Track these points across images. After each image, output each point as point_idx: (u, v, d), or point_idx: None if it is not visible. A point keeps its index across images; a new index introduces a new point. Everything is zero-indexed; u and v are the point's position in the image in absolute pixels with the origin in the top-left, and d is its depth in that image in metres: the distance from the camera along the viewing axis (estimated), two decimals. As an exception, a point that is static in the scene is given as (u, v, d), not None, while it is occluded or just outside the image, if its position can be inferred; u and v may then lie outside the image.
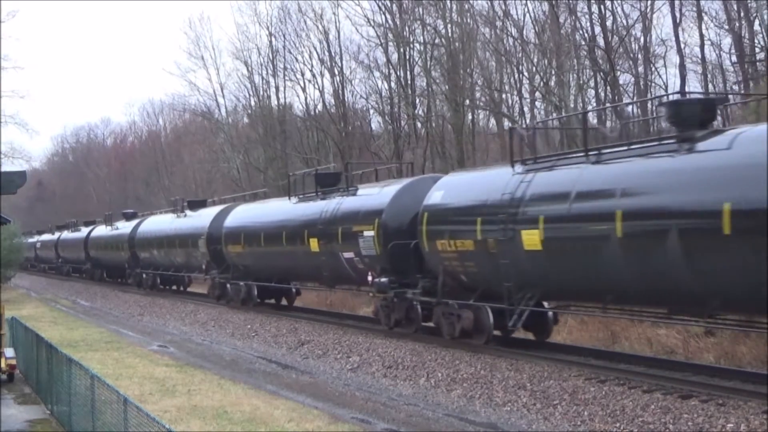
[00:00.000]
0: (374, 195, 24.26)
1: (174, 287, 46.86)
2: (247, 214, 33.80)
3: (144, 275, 47.40)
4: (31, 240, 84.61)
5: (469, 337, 20.08)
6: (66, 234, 69.87)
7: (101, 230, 58.07)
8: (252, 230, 31.69)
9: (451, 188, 21.03)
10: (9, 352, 18.77)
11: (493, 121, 42.73)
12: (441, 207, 20.65)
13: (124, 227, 52.18)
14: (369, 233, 22.98)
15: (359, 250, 23.60)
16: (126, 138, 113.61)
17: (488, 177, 20.67)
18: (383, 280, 22.51)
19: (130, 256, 48.92)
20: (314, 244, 26.29)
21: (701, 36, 33.20)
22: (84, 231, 63.27)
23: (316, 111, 53.43)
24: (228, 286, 34.55)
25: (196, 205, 42.92)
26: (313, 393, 18.21)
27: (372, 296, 24.47)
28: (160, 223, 45.69)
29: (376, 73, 47.10)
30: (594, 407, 14.38)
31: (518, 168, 18.61)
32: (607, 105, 33.57)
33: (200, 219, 38.63)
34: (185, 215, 41.65)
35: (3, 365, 18.27)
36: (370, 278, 23.19)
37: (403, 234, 22.18)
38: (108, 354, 24.07)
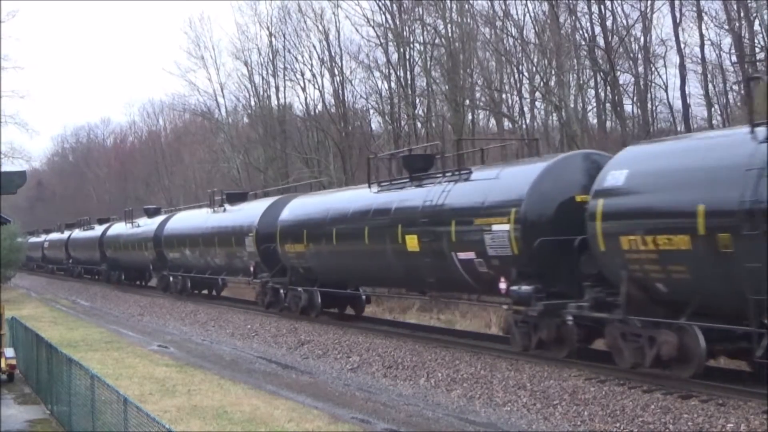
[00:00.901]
0: (504, 178, 19.23)
1: (206, 291, 41.47)
2: (310, 206, 28.30)
3: (172, 278, 42.16)
4: (37, 239, 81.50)
5: (667, 368, 15.30)
6: (78, 233, 65.16)
7: (120, 228, 52.89)
8: (318, 225, 26.41)
9: (640, 165, 15.84)
10: (9, 352, 18.77)
11: (493, 121, 42.75)
12: (627, 191, 15.51)
13: (147, 224, 46.95)
14: (502, 228, 18.10)
15: (484, 249, 18.66)
16: (126, 138, 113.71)
17: (711, 143, 15.54)
18: (525, 288, 17.54)
19: (156, 257, 44.02)
20: (412, 243, 21.04)
21: (701, 36, 33.23)
22: (99, 229, 58.66)
23: (316, 111, 53.46)
24: (282, 292, 29.56)
25: (236, 198, 37.42)
26: (313, 393, 18.21)
27: (507, 309, 18.98)
28: (192, 219, 40.25)
29: (376, 73, 47.12)
30: (594, 407, 14.39)
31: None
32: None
33: (246, 213, 33.24)
34: (224, 210, 36.49)
35: (3, 365, 18.28)
36: (503, 286, 18.20)
37: (549, 228, 17.53)
38: (108, 354, 24.06)
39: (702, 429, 12.58)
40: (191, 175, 78.76)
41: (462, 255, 19.34)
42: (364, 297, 28.23)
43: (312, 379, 20.27)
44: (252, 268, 31.69)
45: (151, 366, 21.67)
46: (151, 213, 49.69)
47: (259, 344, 26.17)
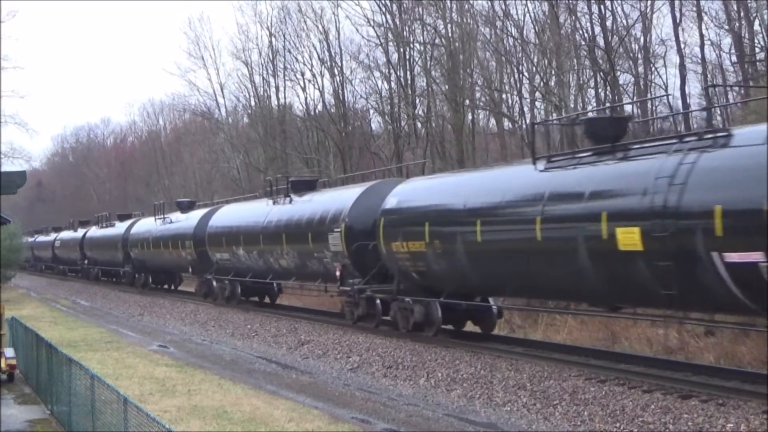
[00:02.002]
0: None
1: (256, 299, 35.94)
2: (434, 190, 22.53)
3: (217, 283, 36.16)
4: (46, 238, 76.52)
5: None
6: (95, 231, 58.93)
7: (147, 224, 46.85)
8: (449, 216, 20.51)
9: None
10: (9, 352, 18.77)
11: (493, 121, 42.77)
12: None
13: (184, 220, 41.33)
14: None
15: None
16: (126, 138, 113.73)
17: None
18: None
19: (197, 258, 38.13)
20: (630, 239, 14.84)
21: (701, 36, 33.25)
22: (121, 226, 52.38)
23: (316, 111, 53.51)
24: (379, 302, 24.12)
25: (303, 186, 30.83)
26: (313, 393, 18.21)
27: None
28: (246, 212, 34.11)
29: (376, 73, 47.20)
30: (594, 407, 14.39)
31: None
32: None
33: (327, 204, 27.27)
34: (290, 200, 30.32)
35: (3, 365, 18.28)
36: None
37: None
38: (108, 354, 24.06)
39: (702, 429, 12.58)
40: (191, 175, 78.79)
41: (732, 257, 13.19)
42: (495, 310, 21.74)
43: (312, 379, 20.27)
44: (338, 272, 25.15)
45: (151, 366, 21.67)
46: (185, 207, 43.32)
47: (259, 344, 26.18)
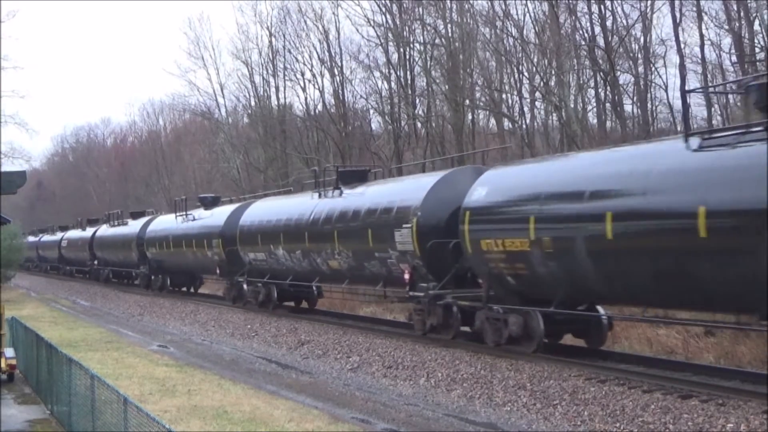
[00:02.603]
0: None
1: (291, 303, 32.53)
2: (550, 171, 18.87)
3: (248, 286, 32.81)
4: (51, 237, 73.72)
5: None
6: (106, 229, 55.38)
7: (166, 222, 43.23)
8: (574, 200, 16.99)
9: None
10: (9, 352, 18.78)
11: (493, 121, 42.77)
12: None
13: (208, 217, 37.41)
14: None
15: None
16: (126, 138, 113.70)
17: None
18: None
19: (225, 259, 34.45)
20: None
21: (701, 36, 33.22)
22: (134, 225, 49.03)
23: (316, 111, 53.53)
24: (455, 309, 20.70)
25: (352, 177, 27.20)
26: (313, 393, 18.21)
27: None
28: (285, 208, 30.28)
29: (376, 73, 47.21)
30: (594, 407, 14.39)
31: None
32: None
33: (389, 195, 23.78)
34: (340, 193, 26.56)
35: (3, 365, 18.28)
36: None
37: None
38: (108, 354, 24.07)
39: (702, 429, 12.58)
40: (191, 175, 78.77)
41: None
42: (606, 320, 18.49)
43: (312, 379, 20.27)
44: (407, 275, 21.88)
45: (151, 366, 21.67)
46: (209, 203, 39.57)
47: (259, 344, 26.18)
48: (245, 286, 33.03)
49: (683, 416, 13.11)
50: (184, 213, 40.08)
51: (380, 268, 23.26)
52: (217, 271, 35.83)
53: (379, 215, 23.13)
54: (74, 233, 65.78)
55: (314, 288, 30.23)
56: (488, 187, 19.23)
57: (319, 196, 27.43)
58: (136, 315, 38.38)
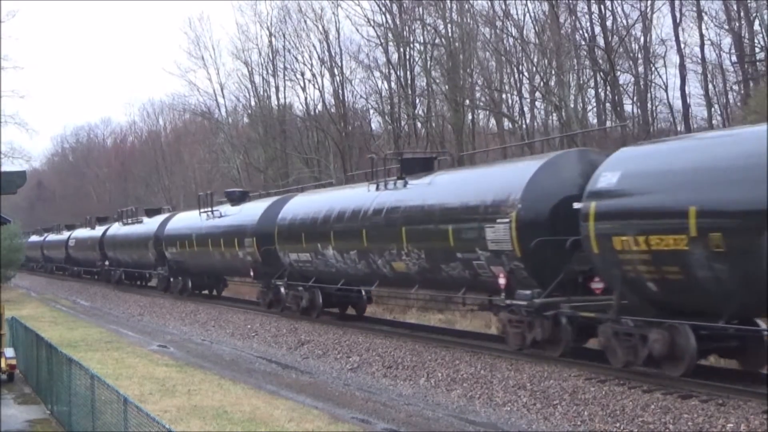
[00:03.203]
0: None
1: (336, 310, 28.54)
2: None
3: (287, 290, 29.20)
4: (57, 237, 70.35)
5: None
6: (117, 228, 51.61)
7: (188, 220, 39.50)
8: None
9: None
10: (9, 352, 18.77)
11: (493, 121, 42.79)
12: None
13: (238, 214, 33.69)
14: None
15: None
16: (126, 138, 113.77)
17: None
18: None
19: (260, 259, 30.80)
20: None
21: (701, 36, 33.28)
22: (150, 223, 45.48)
23: (316, 111, 53.55)
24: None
25: (416, 165, 23.63)
26: (313, 393, 18.21)
27: None
28: (335, 201, 26.45)
29: (376, 73, 47.23)
30: (594, 407, 14.39)
31: None
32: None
33: (474, 186, 20.31)
34: (405, 184, 22.96)
35: (3, 365, 18.28)
36: None
37: None
38: (108, 354, 24.07)
39: (702, 429, 12.58)
40: (191, 175, 78.82)
41: None
42: None
43: (312, 379, 20.27)
44: (502, 280, 18.20)
45: (151, 366, 21.67)
46: (237, 198, 35.71)
47: (259, 344, 26.17)
48: (283, 290, 29.55)
49: (683, 416, 13.11)
50: (209, 209, 36.12)
51: (462, 272, 19.52)
52: (251, 273, 32.22)
53: (463, 209, 19.42)
54: (83, 232, 62.36)
55: (363, 293, 27.09)
56: (620, 171, 15.64)
57: (377, 187, 23.72)
58: (136, 315, 38.37)
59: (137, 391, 17.28)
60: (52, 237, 73.72)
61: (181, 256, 39.60)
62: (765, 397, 13.07)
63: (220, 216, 35.17)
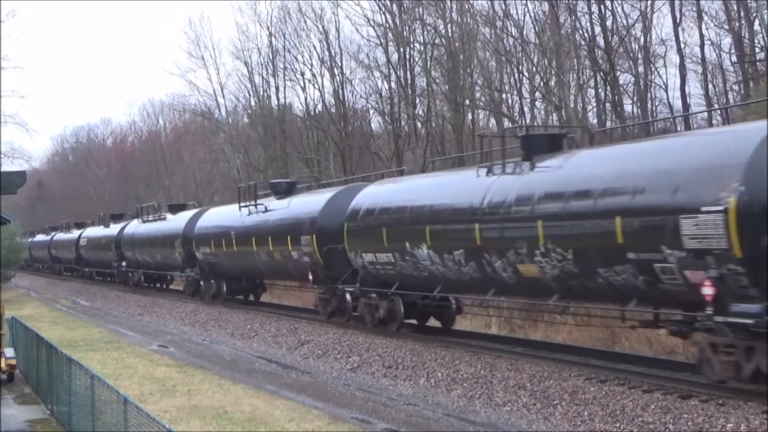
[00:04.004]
0: None
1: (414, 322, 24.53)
2: None
3: (351, 297, 25.27)
4: (66, 236, 66.63)
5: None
6: (136, 226, 47.28)
7: (225, 215, 35.06)
8: None
9: None
10: (9, 352, 18.79)
11: (493, 121, 42.78)
12: None
13: (289, 208, 29.20)
14: None
15: None
16: (126, 138, 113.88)
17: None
18: None
19: (323, 260, 26.20)
20: None
21: (701, 36, 33.28)
22: (176, 220, 41.27)
23: (316, 111, 53.54)
24: None
25: (546, 144, 18.91)
26: (313, 393, 18.21)
27: None
28: (455, 186, 21.00)
29: (376, 73, 47.22)
30: (594, 407, 14.39)
31: None
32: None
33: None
34: (532, 167, 18.14)
35: (3, 365, 18.29)
36: None
37: None
38: (108, 354, 24.07)
39: (702, 429, 12.58)
40: (191, 175, 78.81)
41: None
42: None
43: (312, 379, 20.27)
44: (709, 290, 13.60)
45: (151, 366, 21.67)
46: (284, 191, 31.08)
47: (259, 344, 26.17)
48: (348, 297, 25.44)
49: (683, 416, 13.11)
50: (251, 203, 31.57)
51: (634, 278, 14.93)
52: (309, 277, 27.15)
53: (639, 195, 14.67)
54: (96, 230, 57.95)
55: (452, 301, 23.03)
56: None
57: (490, 172, 19.09)
58: (136, 315, 38.37)
59: (137, 391, 17.28)
60: (60, 236, 69.91)
61: (215, 256, 35.07)
62: (765, 397, 13.07)
63: (265, 211, 30.70)
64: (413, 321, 24.00)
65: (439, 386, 17.69)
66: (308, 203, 28.15)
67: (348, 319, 25.67)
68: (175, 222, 41.08)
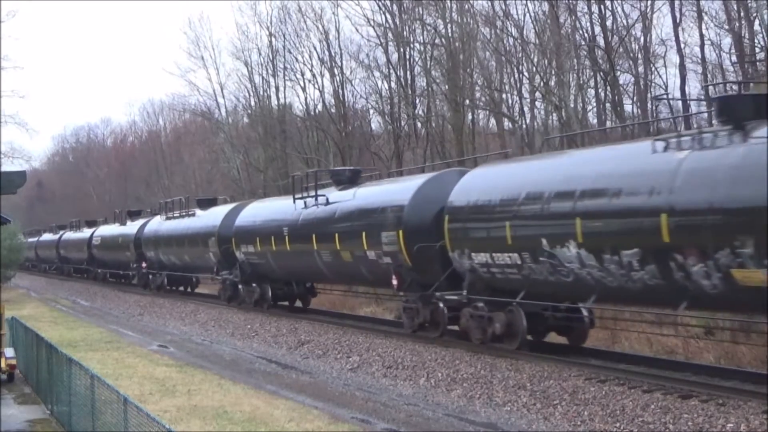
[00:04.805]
0: None
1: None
2: None
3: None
4: (77, 236, 63.09)
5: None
6: (160, 223, 42.98)
7: (272, 211, 30.53)
8: None
9: None
10: (9, 352, 18.79)
11: (493, 121, 42.79)
12: None
13: (368, 198, 24.18)
14: None
15: None
16: (126, 138, 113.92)
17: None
18: None
19: (411, 261, 21.45)
20: None
21: (701, 36, 33.21)
22: (209, 216, 36.91)
23: (316, 111, 53.51)
24: None
25: None
26: (313, 393, 18.21)
27: None
28: (621, 163, 16.22)
29: (376, 73, 47.19)
30: (594, 407, 14.39)
31: None
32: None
33: None
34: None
35: (3, 365, 18.29)
36: None
37: None
38: (108, 354, 24.07)
39: (702, 429, 12.58)
40: (191, 175, 78.79)
41: None
42: None
43: (312, 379, 20.26)
44: None
45: (151, 366, 21.67)
46: (347, 180, 26.60)
47: (259, 344, 26.17)
48: (443, 307, 20.89)
49: (683, 416, 13.11)
50: (310, 195, 27.02)
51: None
52: (394, 283, 22.25)
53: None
54: (111, 229, 54.08)
55: (586, 313, 18.80)
56: None
57: (671, 146, 14.75)
58: (136, 315, 38.36)
59: (137, 391, 17.28)
60: (69, 235, 66.05)
61: (261, 257, 30.39)
62: (765, 397, 13.08)
63: (327, 203, 26.07)
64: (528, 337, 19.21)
65: (439, 386, 17.69)
66: (389, 193, 23.14)
67: (442, 334, 21.12)
68: (209, 218, 36.59)
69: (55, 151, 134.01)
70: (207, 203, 40.14)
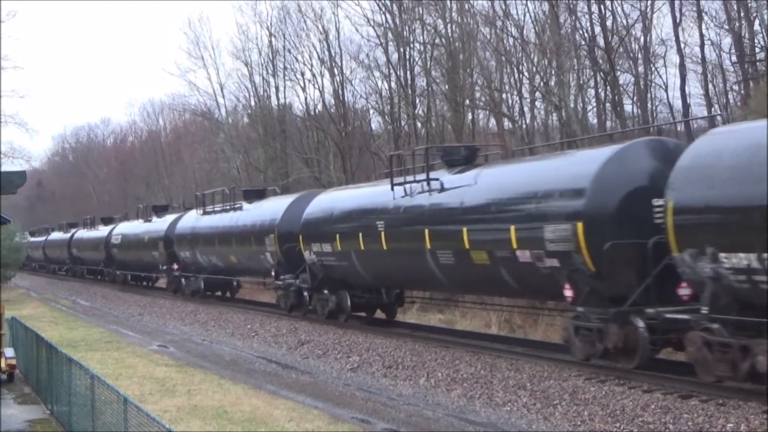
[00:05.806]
0: None
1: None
2: None
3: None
4: (91, 234, 58.34)
5: None
6: (197, 219, 37.88)
7: (358, 201, 24.76)
8: None
9: None
10: (9, 352, 18.78)
11: (493, 121, 42.79)
12: None
13: (482, 186, 19.27)
14: None
15: None
16: (126, 138, 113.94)
17: None
18: None
19: (606, 264, 15.70)
20: None
21: (701, 36, 33.25)
22: (261, 210, 31.66)
23: (316, 111, 53.50)
24: None
25: None
26: (313, 393, 18.21)
27: None
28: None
29: (376, 73, 47.18)
30: (594, 407, 14.39)
31: None
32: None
33: None
34: None
35: (3, 365, 18.29)
36: None
37: None
38: (108, 354, 24.06)
39: (702, 429, 12.58)
40: (191, 175, 78.75)
41: None
42: None
43: (312, 379, 20.26)
44: None
45: (151, 366, 21.67)
46: (463, 159, 21.28)
47: (259, 344, 26.17)
48: (643, 328, 15.27)
49: (683, 416, 13.11)
50: (422, 178, 21.26)
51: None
52: (567, 293, 16.53)
53: None
54: (132, 226, 48.54)
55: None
56: None
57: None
58: (136, 315, 38.35)
59: (137, 391, 17.28)
60: (83, 233, 60.87)
61: (342, 257, 24.55)
62: (765, 397, 13.07)
63: (441, 189, 20.43)
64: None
65: (439, 386, 17.69)
66: (554, 171, 17.53)
67: (638, 365, 15.60)
68: (264, 211, 30.88)
69: (55, 151, 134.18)
70: (254, 194, 34.60)
